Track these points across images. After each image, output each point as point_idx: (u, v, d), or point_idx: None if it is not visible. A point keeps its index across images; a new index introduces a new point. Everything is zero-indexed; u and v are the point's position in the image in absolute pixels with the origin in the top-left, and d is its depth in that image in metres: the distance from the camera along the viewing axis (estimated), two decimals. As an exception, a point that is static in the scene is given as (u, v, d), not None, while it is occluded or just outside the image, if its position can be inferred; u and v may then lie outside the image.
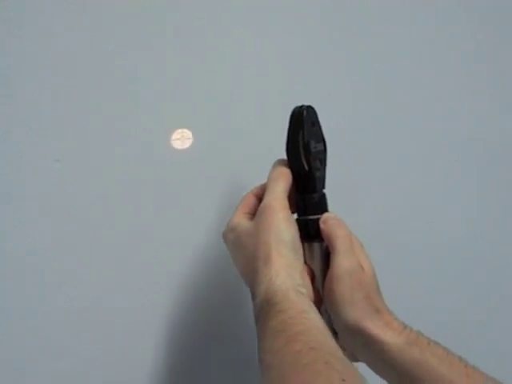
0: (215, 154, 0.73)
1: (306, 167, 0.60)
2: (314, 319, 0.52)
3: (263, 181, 0.62)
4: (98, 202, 0.64)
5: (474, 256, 0.99)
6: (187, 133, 0.71)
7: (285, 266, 0.56)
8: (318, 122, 0.62)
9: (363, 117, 0.85)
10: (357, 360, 0.61)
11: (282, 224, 0.58)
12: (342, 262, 0.59)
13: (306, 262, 0.61)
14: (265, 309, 0.53)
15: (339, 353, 0.48)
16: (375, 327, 0.58)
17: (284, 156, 0.61)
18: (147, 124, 0.67)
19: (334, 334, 0.61)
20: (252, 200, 0.63)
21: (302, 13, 0.80)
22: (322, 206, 0.62)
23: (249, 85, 0.75)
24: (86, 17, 0.63)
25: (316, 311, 0.54)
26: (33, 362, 0.61)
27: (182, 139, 0.70)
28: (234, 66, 0.74)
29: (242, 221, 0.61)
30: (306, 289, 0.57)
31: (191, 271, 0.72)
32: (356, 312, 0.58)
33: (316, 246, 0.61)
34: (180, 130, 0.70)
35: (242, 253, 0.60)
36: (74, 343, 0.64)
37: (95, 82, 0.63)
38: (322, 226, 0.61)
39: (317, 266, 0.61)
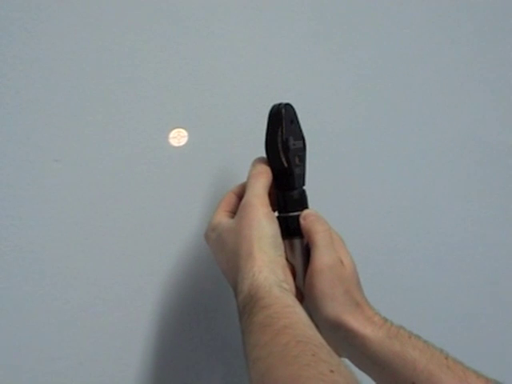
0: (211, 152, 0.73)
1: (285, 164, 0.61)
2: (299, 313, 0.52)
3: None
4: (97, 202, 0.64)
5: (474, 256, 0.99)
6: (183, 131, 0.71)
7: (267, 262, 0.56)
8: (297, 120, 0.63)
9: (362, 117, 0.85)
10: (339, 356, 0.61)
11: (263, 220, 0.58)
12: (322, 257, 0.59)
13: (287, 259, 0.61)
14: (249, 305, 0.53)
15: (326, 346, 0.49)
16: (355, 321, 0.59)
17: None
18: (146, 123, 0.67)
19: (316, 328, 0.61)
20: (233, 198, 0.63)
21: (297, 11, 0.80)
22: (302, 203, 0.62)
23: (244, 84, 0.76)
24: (86, 17, 0.63)
25: (300, 306, 0.54)
26: (32, 362, 0.61)
27: (178, 137, 0.71)
28: (230, 65, 0.74)
29: (222, 219, 0.61)
30: (289, 285, 0.57)
31: (191, 270, 0.72)
32: (336, 306, 0.59)
33: (297, 242, 0.62)
34: (176, 130, 0.70)
35: (224, 250, 0.60)
36: (71, 343, 0.64)
37: (95, 81, 0.63)
38: (302, 221, 0.61)
39: (298, 263, 0.62)
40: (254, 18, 0.76)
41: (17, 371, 0.60)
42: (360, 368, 0.60)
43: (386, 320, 0.60)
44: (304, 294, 0.61)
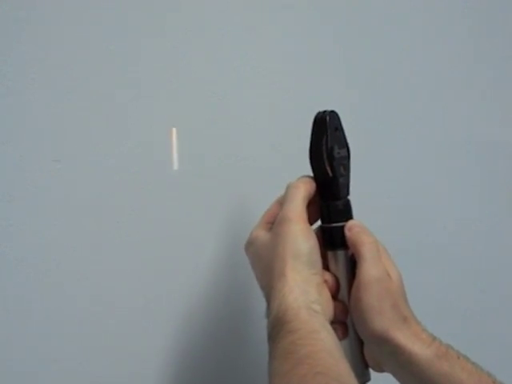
0: (215, 155, 0.73)
1: (330, 173, 0.60)
2: (324, 339, 0.51)
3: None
4: (98, 203, 0.64)
5: (474, 256, 1.00)
6: (184, 133, 0.71)
7: (299, 282, 0.55)
8: (342, 127, 0.61)
9: (362, 117, 0.85)
10: (382, 370, 0.60)
11: (299, 237, 0.57)
12: (370, 270, 0.58)
13: (330, 271, 0.60)
14: (276, 328, 0.53)
15: (347, 377, 0.48)
16: (403, 337, 0.57)
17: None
18: (147, 123, 0.67)
19: (361, 343, 0.60)
20: (278, 209, 0.61)
21: (303, 13, 0.80)
22: (346, 213, 0.61)
23: (251, 86, 0.76)
24: (86, 17, 0.63)
25: (329, 330, 0.53)
26: (32, 363, 0.61)
27: (180, 139, 0.71)
28: (239, 68, 0.75)
29: (260, 233, 0.60)
30: (322, 305, 0.55)
31: (192, 269, 0.72)
32: (383, 321, 0.57)
33: (340, 254, 0.61)
34: (178, 131, 0.70)
35: (260, 266, 0.59)
36: (73, 344, 0.64)
37: (95, 81, 0.63)
38: (347, 233, 0.59)
39: (342, 275, 0.61)
40: (260, 21, 0.76)
41: (17, 371, 0.61)
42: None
43: (434, 338, 0.58)
44: (349, 306, 0.59)
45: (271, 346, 0.52)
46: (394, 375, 0.60)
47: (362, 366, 0.61)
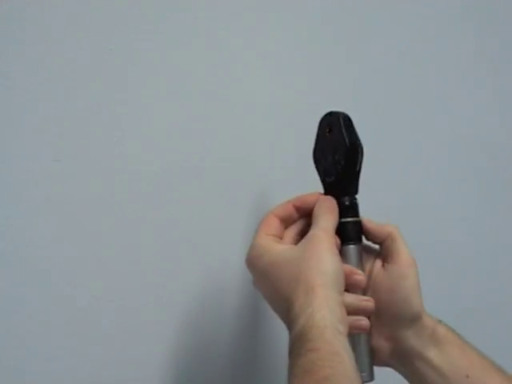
0: (216, 153, 0.73)
1: (340, 171, 0.62)
2: (344, 363, 0.52)
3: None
4: (98, 203, 0.64)
5: (474, 256, 0.99)
6: (186, 133, 0.71)
7: (328, 300, 0.55)
8: (342, 128, 0.64)
9: (361, 117, 0.85)
10: (386, 363, 0.63)
11: (329, 255, 0.58)
12: (408, 251, 0.62)
13: None
14: (298, 343, 0.53)
15: None
16: (428, 319, 0.62)
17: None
18: (147, 123, 0.67)
19: (370, 340, 0.62)
20: (274, 221, 0.62)
21: (303, 13, 0.80)
22: (354, 209, 0.63)
23: (260, 86, 0.76)
24: (86, 17, 0.63)
25: (350, 353, 0.53)
26: (33, 363, 0.61)
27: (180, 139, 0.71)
28: (249, 68, 0.75)
29: (272, 245, 0.60)
30: (344, 325, 0.56)
31: (193, 269, 0.72)
32: (420, 303, 0.62)
33: (350, 248, 0.62)
34: (180, 131, 0.70)
35: (277, 279, 0.59)
36: (75, 344, 0.64)
37: (96, 81, 0.63)
38: (369, 224, 0.63)
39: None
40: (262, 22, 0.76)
41: (17, 371, 0.61)
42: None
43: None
44: (380, 296, 0.62)
45: (291, 361, 0.52)
46: (412, 358, 0.62)
47: (368, 363, 0.63)
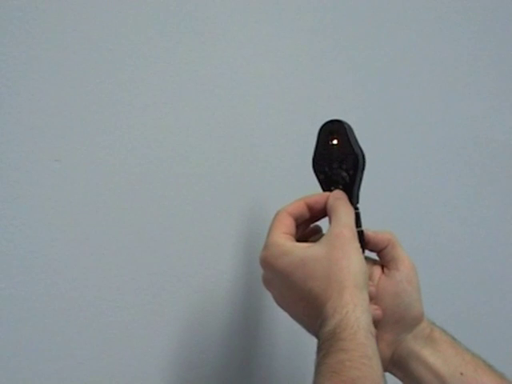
0: (215, 154, 0.73)
1: (348, 180, 0.62)
2: (373, 367, 0.51)
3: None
4: (98, 203, 0.64)
5: (474, 257, 0.99)
6: (186, 133, 0.71)
7: (362, 300, 0.55)
8: (348, 137, 0.63)
9: (362, 117, 0.85)
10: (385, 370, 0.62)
11: (359, 255, 0.58)
12: (408, 256, 0.63)
13: None
14: (329, 341, 0.52)
15: None
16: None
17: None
18: (148, 123, 0.67)
19: None
20: (290, 221, 0.61)
21: (304, 17, 0.80)
22: (358, 220, 0.62)
23: (264, 88, 0.76)
24: (87, 17, 0.63)
25: (378, 357, 0.53)
26: (32, 363, 0.61)
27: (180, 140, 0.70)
28: (248, 71, 0.75)
29: (293, 243, 0.59)
30: (374, 328, 0.56)
31: (194, 271, 0.72)
32: (421, 303, 0.63)
33: None
34: (181, 131, 0.70)
35: (307, 278, 0.57)
36: (75, 344, 0.64)
37: (96, 81, 0.63)
38: (370, 233, 0.62)
39: None
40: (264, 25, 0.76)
41: (17, 371, 0.61)
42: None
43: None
44: (383, 300, 0.62)
45: (320, 359, 0.52)
46: (408, 360, 0.62)
47: None
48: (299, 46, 0.81)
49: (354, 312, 0.53)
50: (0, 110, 0.58)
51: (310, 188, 0.64)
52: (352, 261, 0.56)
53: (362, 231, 0.62)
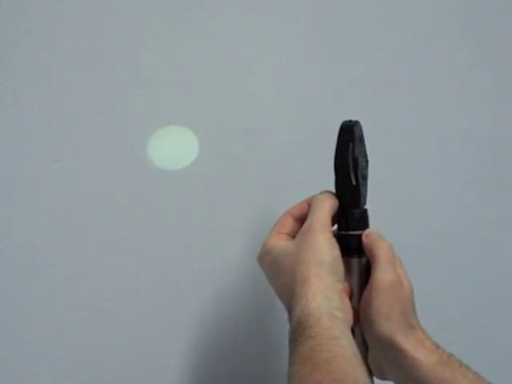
0: (217, 153, 0.73)
1: (354, 182, 0.61)
2: (343, 346, 0.52)
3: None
4: (98, 203, 0.64)
5: (474, 257, 0.99)
6: (187, 134, 0.71)
7: (323, 289, 0.56)
8: (363, 139, 0.63)
9: (365, 119, 0.85)
10: (385, 378, 0.61)
11: (324, 245, 0.58)
12: (384, 274, 0.59)
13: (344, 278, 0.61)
14: (297, 332, 0.53)
15: (362, 382, 0.49)
16: (408, 343, 0.58)
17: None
18: (148, 124, 0.67)
19: (366, 351, 0.61)
20: (288, 221, 0.63)
21: (302, 19, 0.80)
22: (364, 222, 0.62)
23: (253, 89, 0.76)
24: (87, 17, 0.63)
25: (349, 338, 0.54)
26: (32, 363, 0.61)
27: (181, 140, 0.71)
28: (251, 70, 0.75)
29: (277, 242, 0.61)
30: (344, 312, 0.56)
31: (194, 269, 0.72)
32: (391, 326, 0.58)
33: (355, 261, 0.62)
34: (181, 131, 0.70)
35: (279, 274, 0.60)
36: (76, 344, 0.64)
37: (96, 81, 0.63)
38: (364, 239, 0.61)
39: (355, 282, 0.62)
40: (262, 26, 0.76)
41: (17, 371, 0.61)
42: None
43: (438, 346, 0.59)
44: (359, 311, 0.60)
45: (291, 350, 0.53)
46: (396, 381, 0.61)
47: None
48: (306, 48, 0.81)
49: (314, 300, 0.55)
50: (0, 110, 0.58)
51: (317, 189, 0.65)
52: (315, 252, 0.57)
53: (358, 235, 0.62)
